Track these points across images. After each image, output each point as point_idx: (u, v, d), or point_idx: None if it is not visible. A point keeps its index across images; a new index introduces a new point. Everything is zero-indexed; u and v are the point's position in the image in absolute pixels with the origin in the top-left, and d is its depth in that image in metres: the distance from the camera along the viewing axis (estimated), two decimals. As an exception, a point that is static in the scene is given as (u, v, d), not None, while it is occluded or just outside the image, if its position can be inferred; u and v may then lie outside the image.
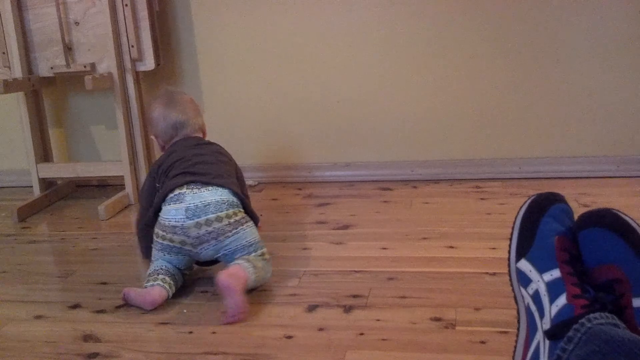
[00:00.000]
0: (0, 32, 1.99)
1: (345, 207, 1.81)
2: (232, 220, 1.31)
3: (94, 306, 1.30)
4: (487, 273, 1.31)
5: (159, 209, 1.34)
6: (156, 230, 1.34)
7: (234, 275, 1.22)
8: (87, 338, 1.17)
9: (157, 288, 1.28)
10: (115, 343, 1.14)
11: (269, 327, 1.16)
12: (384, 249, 1.48)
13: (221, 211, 1.30)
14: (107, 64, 1.92)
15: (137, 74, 1.95)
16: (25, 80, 1.96)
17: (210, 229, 1.29)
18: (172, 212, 1.30)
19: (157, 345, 1.12)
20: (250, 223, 1.35)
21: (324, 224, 1.68)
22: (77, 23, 1.94)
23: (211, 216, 1.29)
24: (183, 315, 1.23)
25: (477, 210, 1.71)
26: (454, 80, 1.96)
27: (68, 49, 1.96)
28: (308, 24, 2.00)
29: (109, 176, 2.07)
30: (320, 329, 1.13)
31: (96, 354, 1.11)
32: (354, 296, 1.25)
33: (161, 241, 1.32)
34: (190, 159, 1.41)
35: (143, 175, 1.97)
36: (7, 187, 2.31)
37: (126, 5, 1.88)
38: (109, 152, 2.20)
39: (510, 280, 0.88)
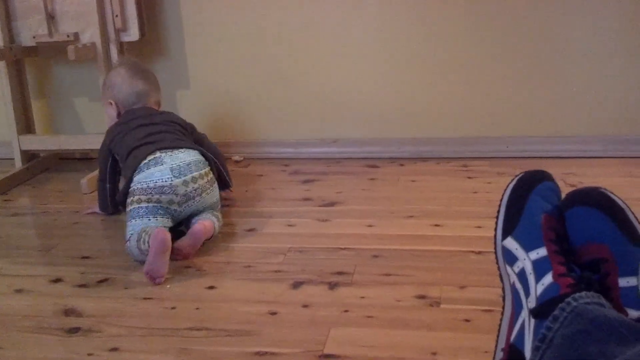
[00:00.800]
0: (-20, -1, 1.94)
1: (332, 184, 1.80)
2: (209, 178, 1.46)
3: (76, 280, 1.28)
4: (472, 252, 1.31)
5: (131, 180, 1.41)
6: (136, 197, 1.38)
7: (208, 229, 1.38)
8: (69, 312, 1.15)
9: (159, 229, 1.28)
10: (97, 318, 1.13)
11: (253, 303, 1.15)
12: (370, 226, 1.47)
13: (201, 169, 1.44)
14: (90, 34, 1.87)
15: (121, 45, 1.91)
16: (7, 49, 1.91)
17: (196, 185, 1.41)
18: (156, 174, 1.38)
19: (140, 321, 1.11)
20: (216, 183, 1.49)
21: (310, 201, 1.67)
22: (60, -9, 1.89)
23: (195, 174, 1.41)
24: (166, 291, 1.22)
25: (463, 189, 1.70)
26: (442, 58, 1.94)
27: (51, 17, 1.91)
28: (304, 4, 1.97)
29: (92, 149, 2.03)
30: (305, 306, 1.13)
31: (77, 329, 1.09)
32: (339, 273, 1.24)
33: (145, 204, 1.36)
34: (142, 130, 1.50)
35: (127, 148, 1.94)
36: (-12, 159, 2.27)
37: (110, -26, 1.83)
38: (93, 124, 2.16)
39: (496, 258, 0.87)
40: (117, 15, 1.86)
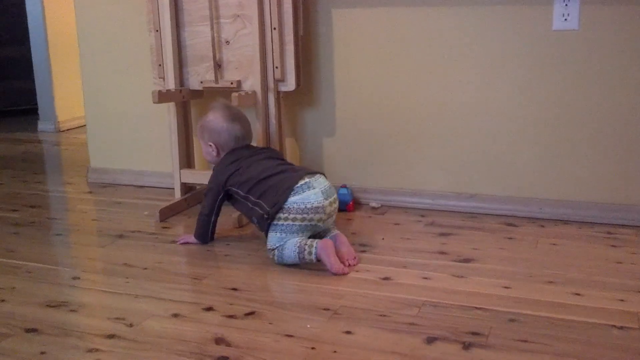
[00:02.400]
0: (158, 46, 2.17)
1: (468, 240, 1.81)
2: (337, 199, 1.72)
3: (226, 311, 1.40)
4: (614, 326, 1.28)
5: (286, 199, 1.62)
6: (292, 215, 1.62)
7: (346, 244, 1.66)
8: (219, 341, 1.26)
9: (323, 241, 1.59)
10: (243, 349, 1.22)
11: (388, 354, 1.19)
12: (507, 287, 1.47)
13: (335, 192, 1.70)
14: (251, 83, 2.04)
15: (278, 94, 2.06)
16: (177, 92, 2.13)
17: (335, 205, 1.69)
18: (312, 197, 1.63)
19: (282, 357, 1.19)
20: None
21: (446, 255, 1.70)
22: (227, 42, 2.09)
23: (335, 195, 1.70)
24: (306, 330, 1.29)
25: (607, 258, 1.65)
26: (589, 118, 1.91)
27: (218, 65, 2.11)
28: (447, 60, 2.02)
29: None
30: (439, 363, 1.15)
31: (226, 358, 1.19)
32: (474, 333, 1.26)
33: (300, 223, 1.62)
34: (262, 163, 1.74)
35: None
36: (150, 186, 2.50)
37: (274, 28, 1.99)
38: (244, 163, 2.33)
39: (644, 342, 0.86)
40: (277, 67, 2.01)
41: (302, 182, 1.64)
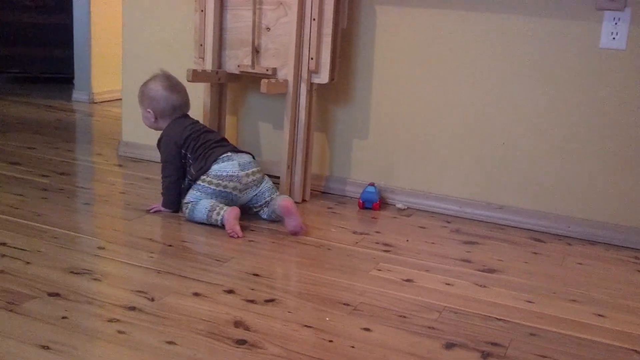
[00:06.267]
0: (201, 26, 2.18)
1: (493, 250, 1.80)
2: (261, 173, 1.92)
3: (246, 295, 1.40)
4: (636, 351, 1.26)
5: (210, 167, 1.84)
6: (209, 179, 1.83)
7: (291, 202, 1.81)
8: (238, 324, 1.26)
9: (232, 207, 1.78)
10: (262, 335, 1.23)
11: (406, 355, 1.19)
12: (529, 302, 1.46)
13: (256, 167, 1.90)
14: (286, 71, 2.04)
15: (311, 85, 2.05)
16: (213, 73, 2.13)
17: (254, 178, 1.87)
18: (228, 167, 1.84)
19: (300, 347, 1.19)
20: (266, 176, 1.94)
21: (470, 263, 1.68)
22: (268, 29, 2.09)
23: (254, 169, 1.89)
24: (325, 323, 1.29)
25: (633, 282, 1.63)
26: (627, 141, 1.88)
27: (256, 51, 2.11)
28: (488, 65, 2.00)
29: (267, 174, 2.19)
30: (456, 369, 1.15)
31: (244, 341, 1.20)
32: (493, 344, 1.25)
33: (214, 187, 1.83)
34: (208, 135, 1.93)
35: (298, 178, 2.08)
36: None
37: (314, 19, 1.99)
38: (271, 151, 2.32)
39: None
40: (312, 58, 2.01)
41: (224, 155, 1.86)
